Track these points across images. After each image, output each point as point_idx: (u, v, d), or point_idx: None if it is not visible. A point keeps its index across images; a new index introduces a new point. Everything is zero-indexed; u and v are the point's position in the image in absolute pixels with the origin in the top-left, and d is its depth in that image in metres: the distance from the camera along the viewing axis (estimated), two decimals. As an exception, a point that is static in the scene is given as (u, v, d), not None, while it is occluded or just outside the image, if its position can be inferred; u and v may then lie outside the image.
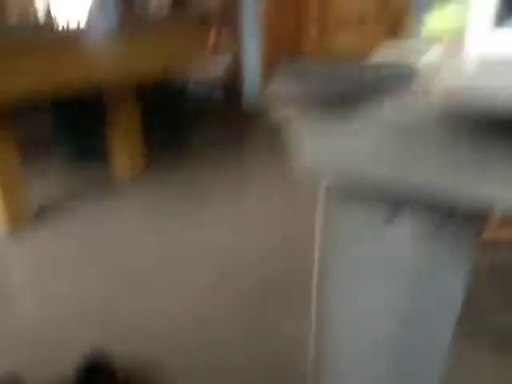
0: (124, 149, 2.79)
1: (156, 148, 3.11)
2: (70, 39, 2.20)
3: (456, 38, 0.64)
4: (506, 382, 1.27)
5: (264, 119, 3.94)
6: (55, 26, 2.48)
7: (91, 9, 2.52)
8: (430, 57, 0.62)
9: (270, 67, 4.41)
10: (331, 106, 0.24)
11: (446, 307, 0.66)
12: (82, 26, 2.41)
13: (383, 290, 0.63)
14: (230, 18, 4.29)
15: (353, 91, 0.25)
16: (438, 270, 0.61)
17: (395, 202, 0.52)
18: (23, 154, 2.23)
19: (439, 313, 0.66)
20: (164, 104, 3.19)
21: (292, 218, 2.33)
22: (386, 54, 0.71)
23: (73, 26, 2.38)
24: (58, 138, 3.19)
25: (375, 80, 0.28)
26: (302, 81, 0.25)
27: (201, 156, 3.36)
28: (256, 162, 3.39)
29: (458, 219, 0.54)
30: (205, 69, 4.25)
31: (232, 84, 4.52)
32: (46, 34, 2.20)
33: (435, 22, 0.74)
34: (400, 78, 0.31)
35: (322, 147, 0.45)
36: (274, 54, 4.33)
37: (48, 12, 2.68)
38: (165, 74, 2.90)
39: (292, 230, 2.18)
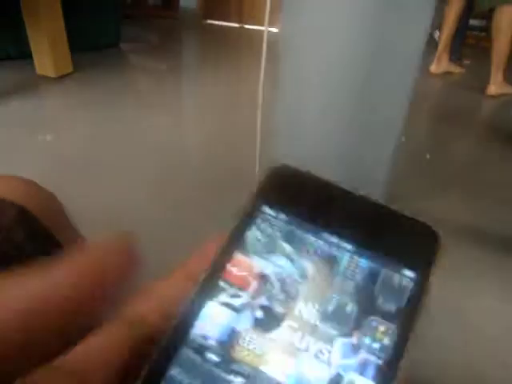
0: (46, 45, 2.50)
1: (83, 51, 2.93)
2: None
3: None
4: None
5: (200, 22, 4.09)
6: None
7: None
8: None
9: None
10: None
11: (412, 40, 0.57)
12: None
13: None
14: None
15: None
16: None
17: None
18: None
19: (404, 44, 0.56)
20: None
21: (230, 115, 2.35)
22: None
23: None
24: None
25: None
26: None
27: (131, 58, 3.31)
28: (188, 65, 3.39)
29: None
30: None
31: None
32: None
33: None
34: None
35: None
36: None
37: None
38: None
39: (230, 128, 2.19)
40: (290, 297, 0.17)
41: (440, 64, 3.19)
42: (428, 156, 2.06)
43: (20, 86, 2.50)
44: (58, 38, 2.55)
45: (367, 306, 0.17)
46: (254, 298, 0.17)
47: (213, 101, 2.66)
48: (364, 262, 0.18)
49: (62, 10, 2.53)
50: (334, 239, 0.19)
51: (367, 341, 0.17)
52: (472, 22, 3.51)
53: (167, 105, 2.47)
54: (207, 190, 1.64)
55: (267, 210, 0.19)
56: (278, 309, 0.17)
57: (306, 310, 0.17)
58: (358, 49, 0.55)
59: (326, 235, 0.19)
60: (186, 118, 2.47)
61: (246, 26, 4.47)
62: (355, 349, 0.17)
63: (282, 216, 0.19)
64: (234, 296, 0.17)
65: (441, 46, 3.16)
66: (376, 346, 0.17)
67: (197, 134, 2.27)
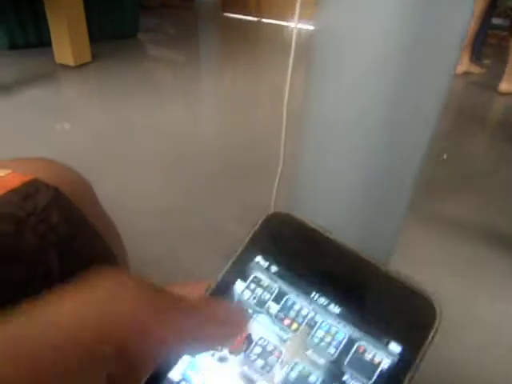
0: (66, 34, 2.51)
1: (101, 41, 2.96)
2: None
3: None
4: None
5: (218, 15, 4.07)
6: None
7: None
8: None
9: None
10: None
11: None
12: None
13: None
14: None
15: None
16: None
17: None
18: None
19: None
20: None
21: (249, 110, 2.34)
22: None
23: None
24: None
25: None
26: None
27: (149, 49, 3.31)
28: (205, 57, 3.38)
29: None
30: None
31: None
32: None
33: None
34: None
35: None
36: None
37: None
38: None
39: (249, 121, 2.17)
40: (265, 360, 0.17)
41: (461, 63, 3.13)
42: (445, 156, 2.04)
43: (39, 74, 2.51)
44: (78, 27, 2.56)
45: (335, 376, 0.16)
46: (234, 354, 0.17)
47: (230, 93, 2.66)
48: (344, 331, 0.17)
49: (82, 0, 2.54)
50: (322, 300, 0.18)
51: None
52: (495, 20, 3.44)
53: (184, 95, 2.48)
54: (222, 180, 1.64)
55: (260, 259, 0.18)
56: (254, 372, 0.17)
57: (279, 373, 0.17)
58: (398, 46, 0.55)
59: (314, 295, 0.18)
60: (203, 108, 2.47)
61: (264, 20, 4.45)
62: None
63: (274, 268, 0.18)
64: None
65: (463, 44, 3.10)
66: None
67: (213, 125, 2.27)
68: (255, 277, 0.18)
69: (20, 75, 2.45)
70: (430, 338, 0.16)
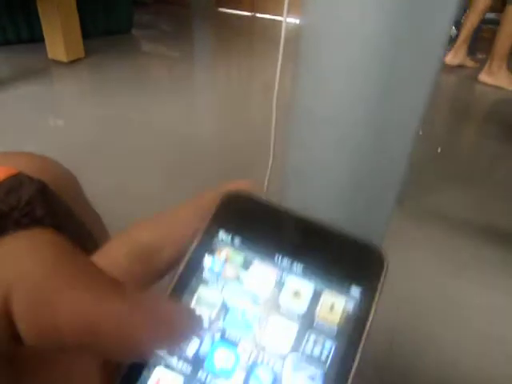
0: (59, 29, 2.49)
1: (95, 36, 2.96)
2: None
3: None
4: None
5: (212, 11, 4.06)
6: None
7: None
8: None
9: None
10: None
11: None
12: None
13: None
14: None
15: None
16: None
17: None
18: None
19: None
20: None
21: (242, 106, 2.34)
22: None
23: None
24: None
25: None
26: None
27: (143, 45, 3.30)
28: (200, 52, 3.37)
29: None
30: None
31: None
32: None
33: None
34: None
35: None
36: None
37: None
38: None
39: (244, 116, 2.17)
40: (243, 321, 0.19)
41: (456, 56, 3.17)
42: (439, 150, 2.04)
43: (32, 70, 2.50)
44: (71, 22, 2.55)
45: (309, 325, 0.19)
46: (212, 323, 0.19)
47: (225, 88, 2.66)
48: (309, 285, 0.19)
49: (75, -5, 2.52)
50: (286, 261, 0.20)
51: (311, 356, 0.18)
52: (488, 15, 3.45)
53: (179, 91, 2.47)
54: (219, 176, 1.64)
55: (223, 233, 0.20)
56: (233, 333, 0.18)
57: (259, 332, 0.18)
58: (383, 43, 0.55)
59: (278, 257, 0.20)
60: (198, 104, 2.46)
61: (258, 15, 4.44)
62: (301, 364, 0.18)
63: (237, 240, 0.20)
64: None
65: (461, 37, 3.13)
66: (320, 362, 0.18)
67: (208, 121, 2.27)
68: (221, 249, 0.20)
69: (12, 71, 2.44)
70: (382, 279, 0.19)
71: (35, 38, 2.73)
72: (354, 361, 0.18)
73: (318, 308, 0.19)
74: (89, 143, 1.83)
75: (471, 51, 3.30)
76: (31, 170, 0.43)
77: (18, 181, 0.40)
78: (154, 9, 4.27)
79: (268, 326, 0.19)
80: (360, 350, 0.18)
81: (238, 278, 0.19)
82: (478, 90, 2.91)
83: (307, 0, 0.63)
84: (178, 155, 1.80)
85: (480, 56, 3.41)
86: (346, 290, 0.19)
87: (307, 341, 0.18)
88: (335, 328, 0.18)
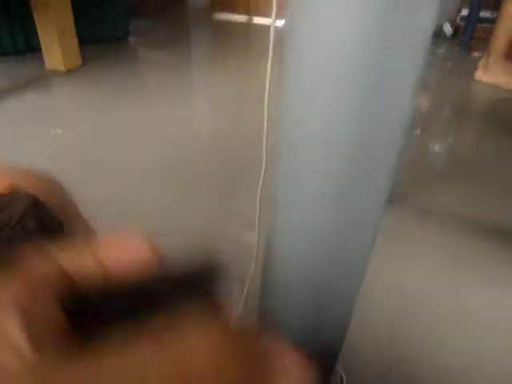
0: (55, 38, 2.53)
1: (92, 44, 2.98)
2: None
3: None
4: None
5: (209, 17, 4.08)
6: None
7: None
8: None
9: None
10: None
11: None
12: None
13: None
14: None
15: None
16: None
17: None
18: None
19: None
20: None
21: (237, 112, 2.33)
22: None
23: None
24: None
25: None
26: None
27: (140, 52, 3.32)
28: (199, 58, 3.37)
29: None
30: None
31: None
32: None
33: None
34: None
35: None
36: None
37: None
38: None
39: (243, 122, 2.17)
40: None
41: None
42: (436, 148, 2.05)
43: (29, 79, 2.52)
44: (68, 32, 2.57)
45: None
46: None
47: (222, 93, 2.67)
48: None
49: (71, 4, 2.54)
50: None
51: None
52: (482, 13, 3.45)
53: (176, 97, 2.48)
54: (216, 180, 1.65)
55: None
56: None
57: None
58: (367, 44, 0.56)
59: None
60: (196, 110, 2.48)
61: (255, 20, 4.46)
62: None
63: None
64: None
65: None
66: None
67: (206, 126, 2.28)
68: None
69: (10, 82, 2.46)
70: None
71: (32, 47, 2.75)
72: None
73: None
74: (88, 150, 1.85)
75: (465, 50, 3.30)
76: (27, 185, 0.44)
77: (8, 197, 0.41)
78: (151, 16, 4.29)
79: None
80: None
81: None
82: (474, 88, 2.92)
83: (291, 1, 0.64)
84: (175, 159, 1.81)
85: (475, 54, 3.42)
86: None
87: None
88: None
